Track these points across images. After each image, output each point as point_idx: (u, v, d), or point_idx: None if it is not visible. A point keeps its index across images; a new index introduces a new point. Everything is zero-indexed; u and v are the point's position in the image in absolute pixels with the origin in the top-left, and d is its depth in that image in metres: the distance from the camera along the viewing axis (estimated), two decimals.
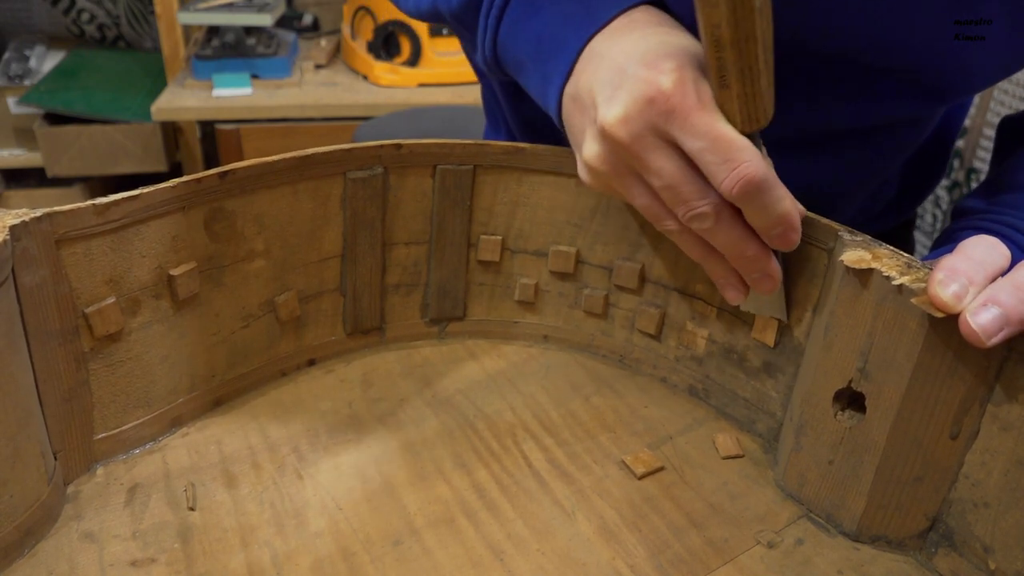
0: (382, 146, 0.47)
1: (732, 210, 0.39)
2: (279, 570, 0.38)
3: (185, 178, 0.40)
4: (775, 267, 0.41)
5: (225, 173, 0.42)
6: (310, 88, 1.71)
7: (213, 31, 1.73)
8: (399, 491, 0.43)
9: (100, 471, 0.42)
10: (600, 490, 0.44)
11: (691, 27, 0.41)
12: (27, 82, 1.76)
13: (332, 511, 0.41)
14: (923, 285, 0.36)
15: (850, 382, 0.39)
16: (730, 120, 0.37)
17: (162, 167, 1.77)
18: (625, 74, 0.38)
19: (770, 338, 0.46)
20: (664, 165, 0.38)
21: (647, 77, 0.37)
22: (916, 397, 0.37)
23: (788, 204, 0.38)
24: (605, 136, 0.39)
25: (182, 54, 1.76)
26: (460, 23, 0.50)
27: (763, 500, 0.44)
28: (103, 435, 0.42)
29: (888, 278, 0.36)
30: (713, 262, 0.43)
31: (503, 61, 0.48)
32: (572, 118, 0.43)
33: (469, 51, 0.53)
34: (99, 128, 1.70)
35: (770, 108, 0.38)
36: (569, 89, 0.43)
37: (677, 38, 0.40)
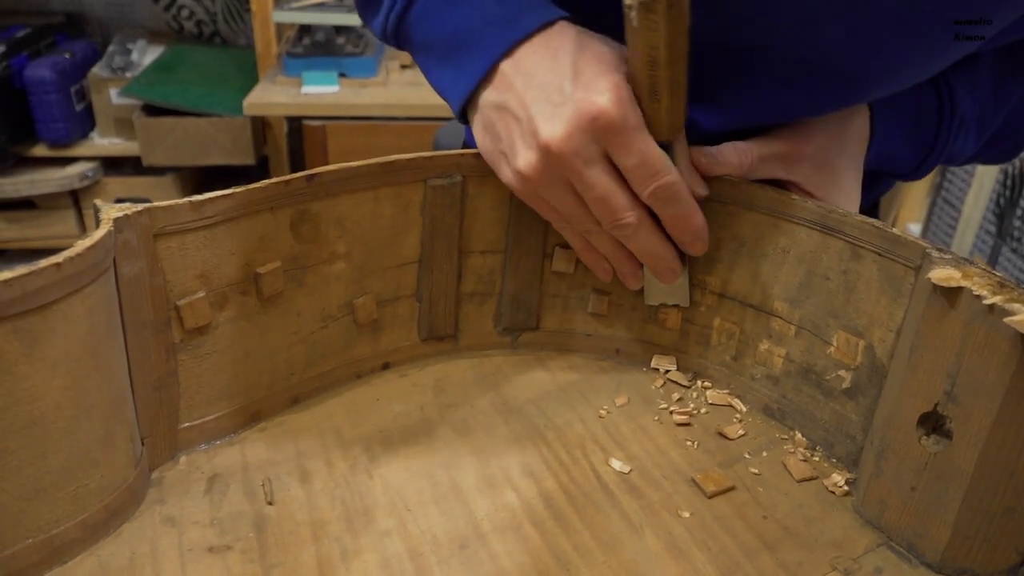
0: (462, 155, 0.48)
1: (650, 218, 0.46)
2: (348, 566, 0.39)
3: (274, 179, 0.42)
4: (679, 263, 0.49)
5: (312, 176, 0.43)
6: (395, 88, 1.75)
7: (304, 30, 1.80)
8: (467, 496, 0.43)
9: (183, 459, 0.44)
10: (669, 506, 0.43)
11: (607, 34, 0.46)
12: (128, 74, 1.84)
13: (401, 511, 0.42)
14: (1016, 305, 0.34)
15: (936, 405, 0.38)
16: (657, 130, 0.43)
17: (250, 160, 1.82)
18: (564, 92, 0.43)
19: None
20: (599, 178, 0.44)
21: (587, 97, 0.42)
22: (1008, 422, 0.35)
23: (699, 217, 0.46)
24: (547, 150, 0.43)
25: (274, 51, 1.82)
26: None
27: (840, 525, 0.42)
28: (187, 425, 0.44)
29: (979, 297, 0.35)
30: (620, 259, 0.49)
31: (404, 38, 0.51)
32: (495, 127, 0.46)
33: (365, 15, 0.54)
34: (193, 120, 1.77)
35: (685, 117, 0.45)
36: (491, 97, 0.46)
37: (602, 52, 0.44)
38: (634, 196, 0.45)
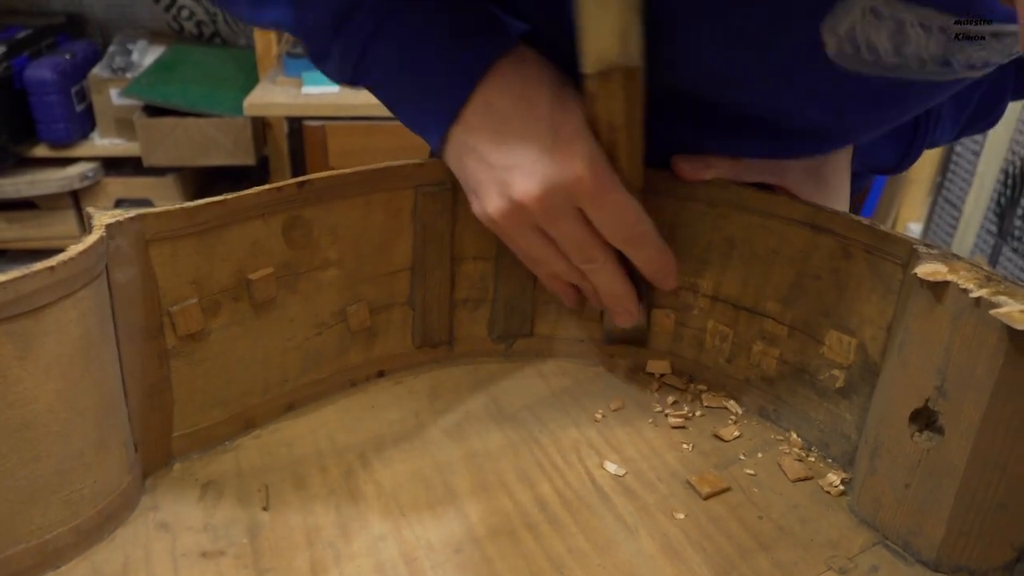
0: None
1: (615, 260, 0.47)
2: (341, 570, 0.38)
3: (267, 186, 0.42)
4: (636, 306, 0.49)
5: (303, 183, 0.44)
6: None
7: None
8: (462, 501, 0.43)
9: (177, 466, 0.44)
10: (664, 508, 0.43)
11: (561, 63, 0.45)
12: (129, 75, 1.85)
13: (395, 516, 0.42)
14: (1003, 298, 0.34)
15: (927, 401, 0.38)
16: None
17: (250, 160, 1.82)
18: (543, 148, 0.43)
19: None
20: (571, 229, 0.44)
21: (567, 159, 0.42)
22: (998, 416, 0.35)
23: (669, 255, 0.47)
24: (520, 204, 0.43)
25: (274, 52, 1.83)
26: (310, 40, 0.48)
27: (835, 524, 0.42)
28: (181, 432, 0.44)
29: (965, 291, 0.35)
30: (587, 290, 0.50)
31: (364, 82, 0.48)
32: (469, 166, 0.45)
33: (316, 63, 0.50)
34: (193, 121, 1.78)
35: (642, 178, 0.45)
36: (464, 137, 0.45)
37: (577, 104, 0.43)
38: (603, 241, 0.45)
